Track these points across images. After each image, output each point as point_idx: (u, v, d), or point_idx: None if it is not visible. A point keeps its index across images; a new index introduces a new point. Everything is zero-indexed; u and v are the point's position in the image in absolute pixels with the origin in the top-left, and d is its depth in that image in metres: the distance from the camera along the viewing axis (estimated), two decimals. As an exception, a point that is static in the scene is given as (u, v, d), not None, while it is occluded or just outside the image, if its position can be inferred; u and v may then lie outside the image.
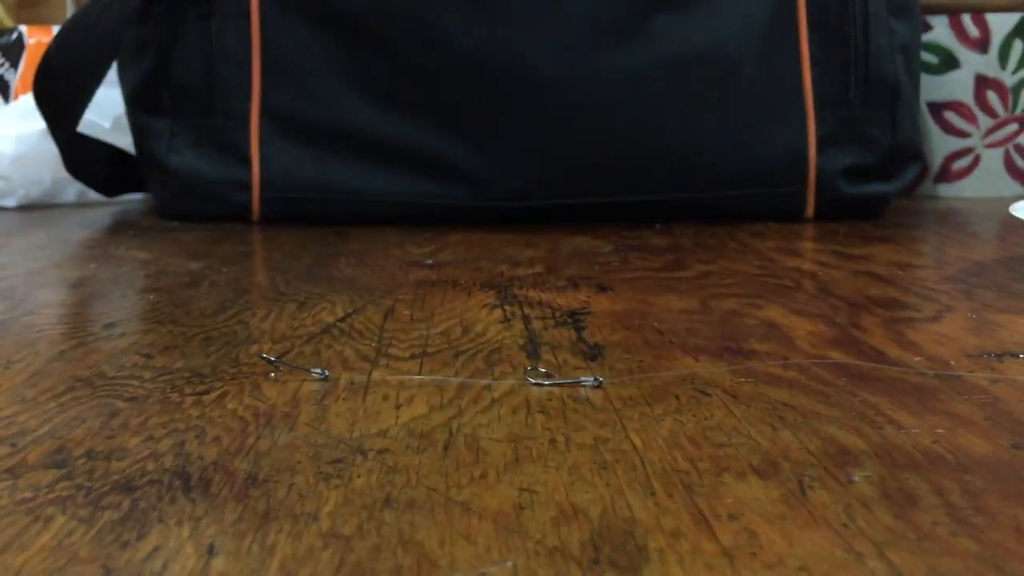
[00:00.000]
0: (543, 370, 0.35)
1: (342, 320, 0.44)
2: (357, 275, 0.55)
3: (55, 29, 0.97)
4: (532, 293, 0.49)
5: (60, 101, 0.79)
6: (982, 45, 0.89)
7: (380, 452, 0.28)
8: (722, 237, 0.68)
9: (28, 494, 0.25)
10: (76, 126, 0.79)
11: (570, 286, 0.51)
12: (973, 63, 0.89)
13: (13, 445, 0.28)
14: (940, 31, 0.89)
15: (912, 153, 0.78)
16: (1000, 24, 0.88)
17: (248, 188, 0.77)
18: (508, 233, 0.70)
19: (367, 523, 0.23)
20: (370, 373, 0.36)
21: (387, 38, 0.74)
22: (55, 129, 0.80)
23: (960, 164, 0.91)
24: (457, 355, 0.38)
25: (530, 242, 0.66)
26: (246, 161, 0.76)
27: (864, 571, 0.20)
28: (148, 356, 0.38)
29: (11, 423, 0.30)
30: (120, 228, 0.76)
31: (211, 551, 0.22)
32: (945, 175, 0.91)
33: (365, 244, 0.66)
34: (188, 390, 0.34)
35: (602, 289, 0.50)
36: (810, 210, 0.76)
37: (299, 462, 0.27)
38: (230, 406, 0.32)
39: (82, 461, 0.27)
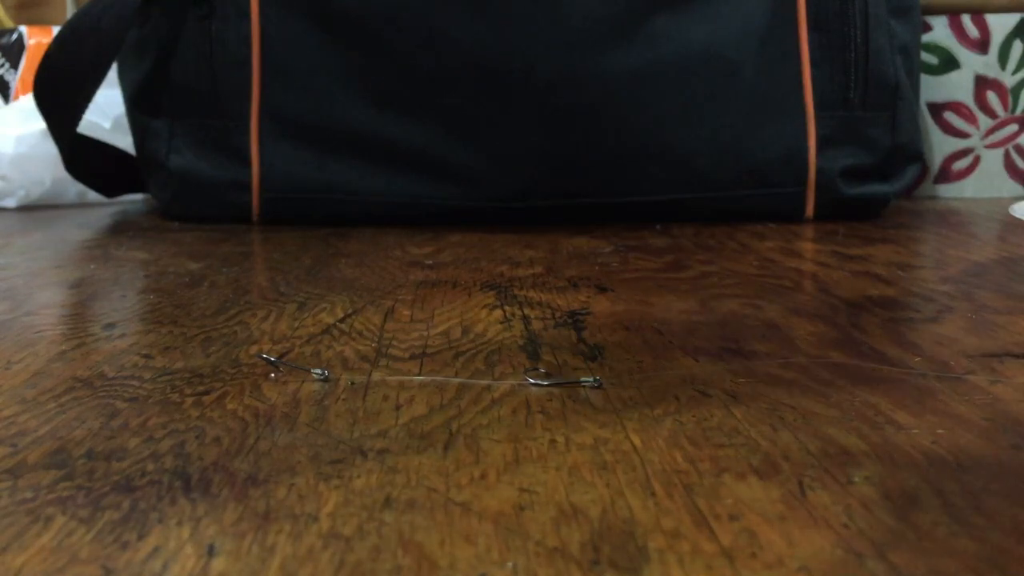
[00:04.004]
0: (543, 370, 0.35)
1: (342, 321, 0.44)
2: (357, 275, 0.55)
3: (55, 29, 0.97)
4: (532, 294, 0.49)
5: (60, 101, 0.79)
6: (982, 45, 0.89)
7: (380, 452, 0.28)
8: (722, 237, 0.68)
9: (28, 494, 0.25)
10: (76, 127, 0.79)
11: (570, 286, 0.51)
12: (973, 63, 0.89)
13: (13, 445, 0.28)
14: (940, 31, 0.89)
15: (912, 154, 0.78)
16: (1000, 24, 0.88)
17: (248, 188, 0.77)
18: (508, 233, 0.70)
19: (367, 523, 0.23)
20: (370, 373, 0.36)
21: (387, 38, 0.74)
22: (55, 130, 0.80)
23: (960, 164, 0.91)
24: (457, 355, 0.38)
25: (530, 242, 0.66)
26: (246, 161, 0.76)
27: (864, 571, 0.20)
28: (148, 356, 0.38)
29: (11, 423, 0.30)
30: (120, 228, 0.76)
31: (211, 551, 0.22)
32: (945, 175, 0.91)
33: (365, 244, 0.66)
34: (188, 390, 0.34)
35: (602, 289, 0.50)
36: (810, 210, 0.76)
37: (299, 462, 0.27)
38: (230, 406, 0.32)
39: (82, 461, 0.27)
